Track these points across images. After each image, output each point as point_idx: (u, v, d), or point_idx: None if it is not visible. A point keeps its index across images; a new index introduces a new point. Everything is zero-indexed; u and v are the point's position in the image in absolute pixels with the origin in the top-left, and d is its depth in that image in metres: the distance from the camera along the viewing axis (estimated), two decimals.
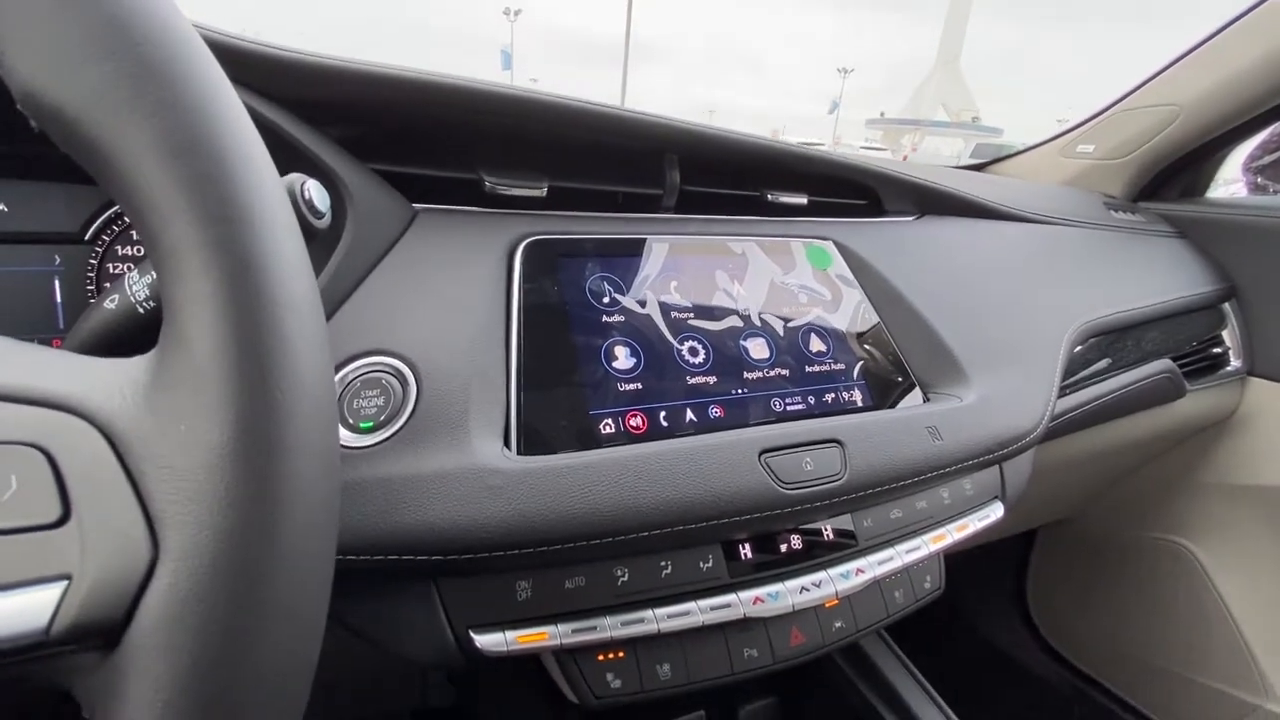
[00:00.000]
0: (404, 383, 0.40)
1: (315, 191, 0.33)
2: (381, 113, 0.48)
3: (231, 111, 0.20)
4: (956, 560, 1.34)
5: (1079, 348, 0.72)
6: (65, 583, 0.17)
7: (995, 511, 0.55)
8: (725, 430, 0.46)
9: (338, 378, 0.40)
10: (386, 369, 0.40)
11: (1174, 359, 0.90)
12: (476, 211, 0.51)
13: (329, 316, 0.42)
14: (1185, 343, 0.95)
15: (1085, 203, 1.01)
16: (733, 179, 0.63)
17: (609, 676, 0.41)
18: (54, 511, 0.17)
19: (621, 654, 0.41)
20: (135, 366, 0.20)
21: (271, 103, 0.43)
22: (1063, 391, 0.70)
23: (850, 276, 0.61)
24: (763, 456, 0.43)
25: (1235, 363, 1.03)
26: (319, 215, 0.33)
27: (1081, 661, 1.35)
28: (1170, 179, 1.15)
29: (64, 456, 0.18)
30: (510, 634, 0.37)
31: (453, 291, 0.45)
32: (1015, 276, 0.72)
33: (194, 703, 0.17)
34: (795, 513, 0.43)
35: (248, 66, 0.42)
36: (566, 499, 0.37)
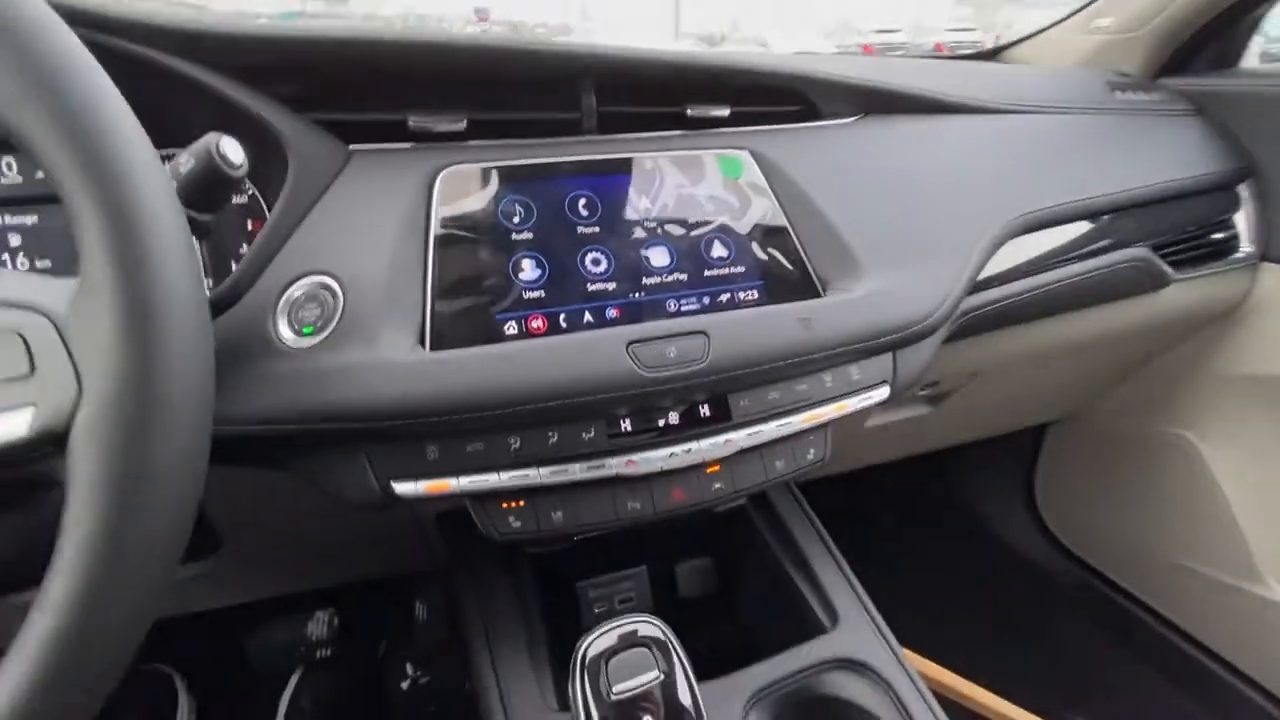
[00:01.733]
0: (334, 296, 0.50)
1: (229, 146, 0.42)
2: (314, 69, 0.56)
3: (102, 93, 0.30)
4: (965, 454, 1.39)
5: (1020, 236, 0.73)
6: (33, 408, 0.29)
7: (880, 394, 0.61)
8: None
9: (287, 294, 0.51)
10: (322, 285, 0.51)
11: (1158, 246, 0.88)
12: (404, 148, 0.59)
13: (279, 246, 0.52)
14: (1178, 228, 0.91)
15: (1082, 85, 0.96)
16: (656, 97, 0.67)
17: (510, 519, 0.52)
18: (25, 369, 0.29)
19: (521, 503, 0.52)
20: (70, 282, 0.31)
21: (215, 71, 0.52)
22: (993, 282, 0.72)
23: (763, 184, 0.65)
24: (630, 346, 0.51)
25: (1247, 248, 0.98)
26: (234, 166, 0.43)
27: (1087, 554, 1.39)
28: (1199, 50, 1.06)
29: (32, 337, 0.30)
30: (420, 483, 0.49)
31: (379, 219, 0.54)
32: (952, 172, 0.73)
33: (112, 474, 0.29)
34: (660, 392, 0.51)
35: (194, 40, 0.51)
36: (456, 382, 0.47)
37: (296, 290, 0.51)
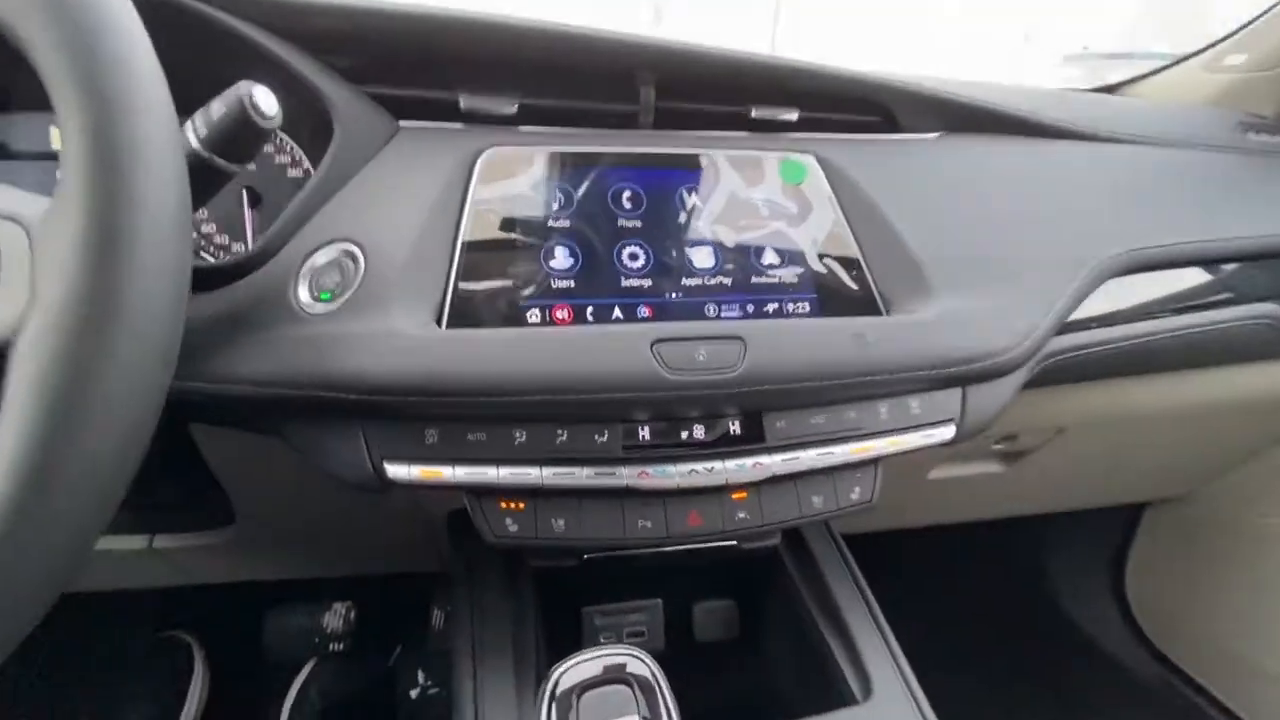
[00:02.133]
0: (356, 264, 0.48)
1: (262, 95, 0.41)
2: (372, 40, 0.56)
3: (115, 18, 0.29)
4: (1047, 524, 1.24)
5: (1121, 277, 0.64)
6: None
7: (943, 434, 0.53)
8: None
9: (311, 260, 0.49)
10: (344, 253, 0.49)
11: None
12: (452, 127, 0.58)
13: (313, 212, 0.51)
14: None
15: (1209, 122, 0.85)
16: (719, 96, 0.64)
17: (508, 521, 0.47)
18: None
19: (522, 505, 0.48)
20: (46, 199, 0.30)
21: (281, 39, 0.53)
22: (1089, 324, 0.63)
23: (827, 192, 0.60)
24: (656, 345, 0.46)
25: None
26: (266, 116, 0.41)
27: (1182, 659, 1.20)
28: None
29: (4, 246, 0.29)
30: (415, 468, 0.45)
31: (416, 192, 0.52)
32: (1047, 199, 0.65)
33: (48, 384, 0.26)
34: (684, 399, 0.46)
35: (262, 8, 0.51)
36: (462, 361, 0.44)
37: (321, 256, 0.49)
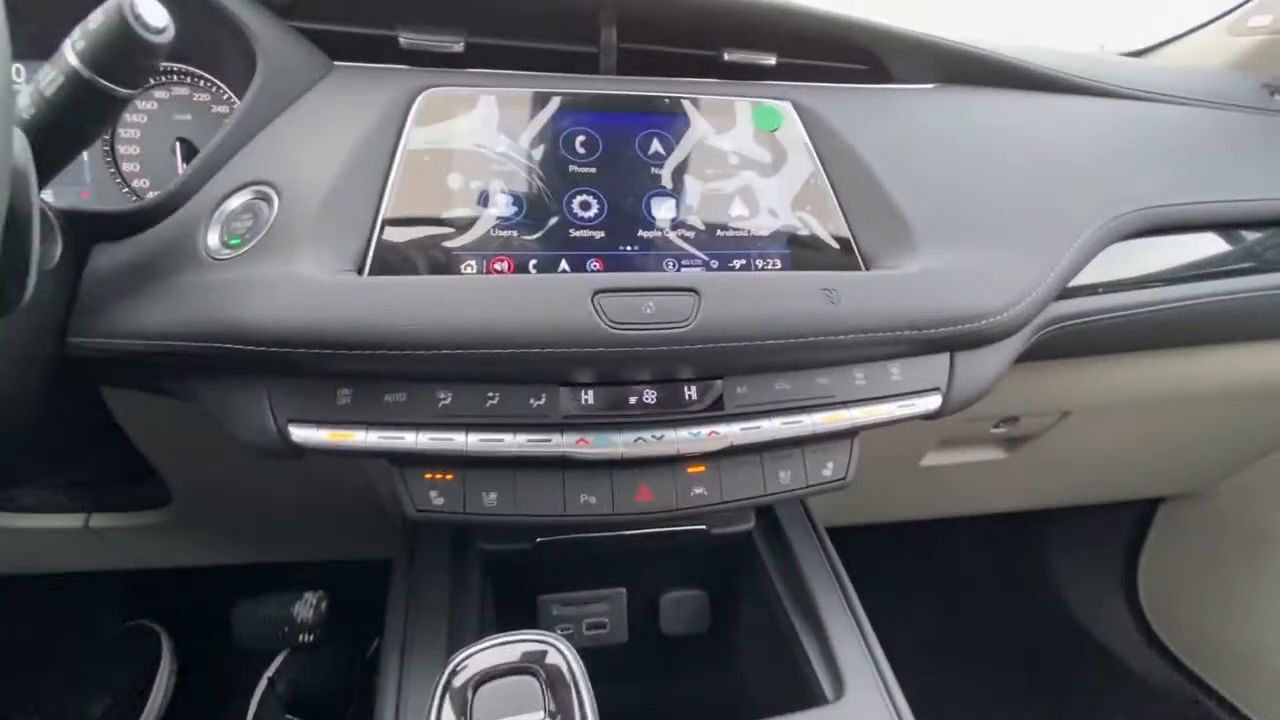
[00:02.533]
0: (270, 206, 0.44)
1: (146, 7, 0.36)
2: None
3: None
4: (1053, 521, 1.18)
5: (1128, 240, 0.57)
6: None
7: (927, 404, 0.47)
8: None
9: (225, 204, 0.45)
10: (259, 195, 0.44)
11: None
12: (392, 68, 0.53)
13: (230, 154, 0.47)
14: None
15: (1233, 82, 0.79)
16: (690, 38, 0.58)
17: (433, 494, 0.42)
18: None
19: (450, 476, 0.43)
20: None
21: None
22: (1094, 289, 0.57)
23: (805, 140, 0.54)
24: (596, 296, 0.41)
25: None
26: (153, 30, 0.36)
27: (1196, 663, 1.13)
28: None
29: None
30: (323, 431, 0.40)
31: (343, 133, 0.47)
32: (1049, 154, 0.60)
33: None
34: (629, 356, 0.41)
35: None
36: (376, 309, 0.39)
37: (236, 200, 0.45)
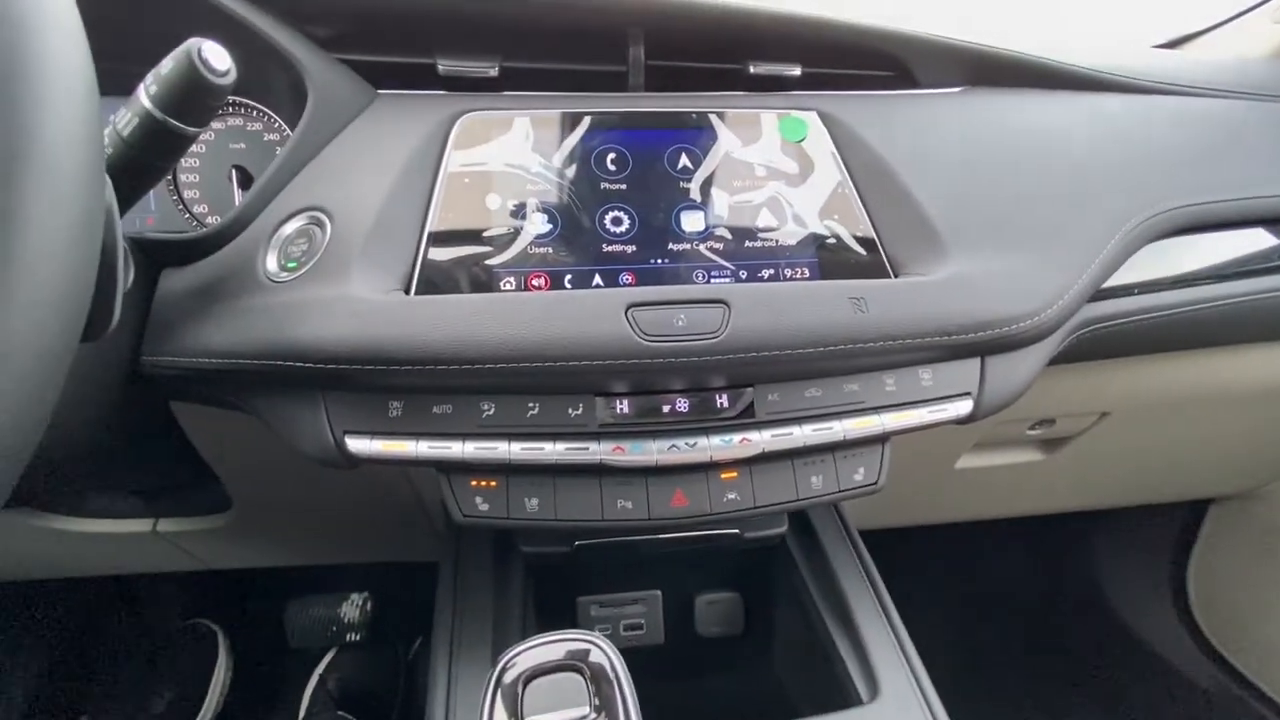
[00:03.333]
0: (322, 230, 0.46)
1: (212, 52, 0.39)
2: (348, 7, 0.54)
3: None
4: (1098, 523, 1.15)
5: (1168, 239, 0.57)
6: None
7: (958, 409, 0.48)
8: None
9: (282, 229, 0.48)
10: (313, 220, 0.47)
11: None
12: (431, 94, 0.56)
13: (285, 182, 0.50)
14: None
15: (1271, 73, 0.77)
16: (715, 52, 0.60)
17: (478, 500, 0.45)
18: None
19: (494, 483, 0.45)
20: None
21: (259, 9, 0.51)
22: (1131, 290, 0.57)
23: (830, 150, 0.55)
24: (630, 310, 0.43)
25: None
26: (218, 73, 0.40)
27: (1252, 671, 1.09)
28: None
29: None
30: (377, 442, 0.43)
31: (388, 159, 0.50)
32: (1082, 153, 0.59)
33: None
34: (663, 368, 0.42)
35: None
36: (425, 327, 0.41)
37: (291, 225, 0.48)
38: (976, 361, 0.49)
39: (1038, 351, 0.51)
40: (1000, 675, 1.17)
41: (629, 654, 0.44)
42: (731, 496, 0.46)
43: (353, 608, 1.15)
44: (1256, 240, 0.63)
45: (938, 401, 0.48)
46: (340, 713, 1.06)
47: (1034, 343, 0.50)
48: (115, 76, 0.43)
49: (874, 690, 0.48)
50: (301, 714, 1.08)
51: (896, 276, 0.50)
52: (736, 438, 0.45)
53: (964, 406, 0.48)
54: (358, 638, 1.15)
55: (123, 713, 1.08)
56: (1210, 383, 0.70)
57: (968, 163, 0.56)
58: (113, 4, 0.50)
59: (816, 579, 0.57)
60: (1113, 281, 0.55)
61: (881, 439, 0.48)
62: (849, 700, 0.49)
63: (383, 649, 1.19)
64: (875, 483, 0.48)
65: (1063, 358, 0.55)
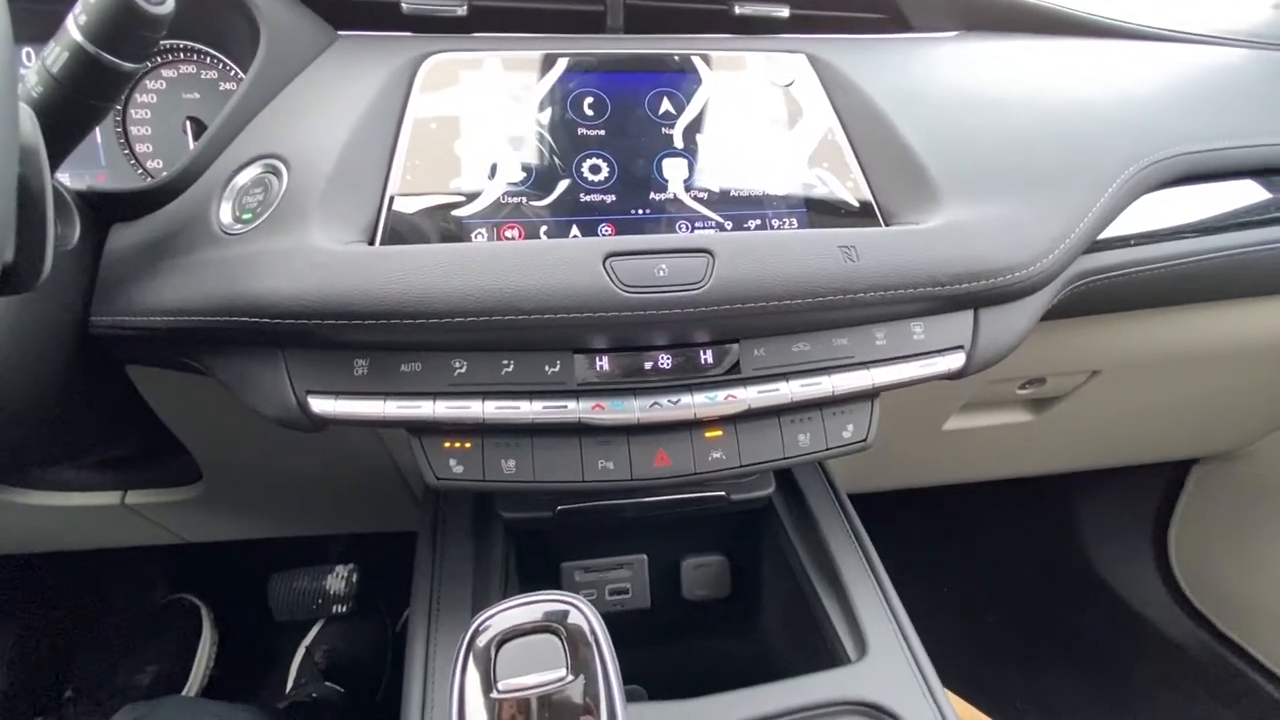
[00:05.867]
0: (279, 179, 0.43)
1: None
2: None
3: None
4: (1081, 483, 1.16)
5: (1162, 189, 0.55)
6: None
7: (950, 363, 0.46)
8: None
9: (236, 179, 0.45)
10: (268, 168, 0.44)
11: None
12: (396, 35, 0.52)
13: (238, 129, 0.47)
14: None
15: (1271, 20, 0.74)
16: None
17: (452, 462, 0.43)
18: None
19: (468, 444, 0.43)
20: None
21: None
22: (1127, 241, 0.55)
23: (820, 94, 0.53)
24: (608, 260, 0.40)
25: None
26: (155, 1, 0.36)
27: (1230, 628, 1.11)
28: None
29: None
30: (342, 403, 0.40)
31: (349, 103, 0.47)
32: (1079, 99, 0.57)
33: None
34: (643, 321, 0.40)
35: None
36: (390, 278, 0.39)
37: (246, 174, 0.45)
38: (969, 314, 0.47)
39: (1032, 304, 0.49)
40: (984, 631, 1.18)
41: (615, 619, 0.43)
42: (717, 455, 0.44)
43: (338, 579, 1.14)
44: (1252, 193, 0.62)
45: (929, 355, 0.46)
46: (328, 684, 1.05)
47: (1029, 294, 0.48)
48: (55, 20, 0.39)
49: (862, 649, 0.47)
50: (289, 686, 1.08)
51: (888, 225, 0.48)
52: (722, 394, 0.43)
53: (956, 360, 0.46)
54: (344, 609, 1.14)
55: (108, 687, 1.06)
56: (1200, 340, 0.69)
57: (963, 108, 0.54)
58: None
59: (804, 540, 0.56)
60: (1108, 233, 0.53)
61: (871, 395, 0.47)
62: (837, 660, 0.48)
63: (369, 620, 1.18)
64: (865, 439, 0.47)
65: (1056, 312, 0.54)
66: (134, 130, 0.56)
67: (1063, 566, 1.26)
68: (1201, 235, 0.57)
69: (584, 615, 0.31)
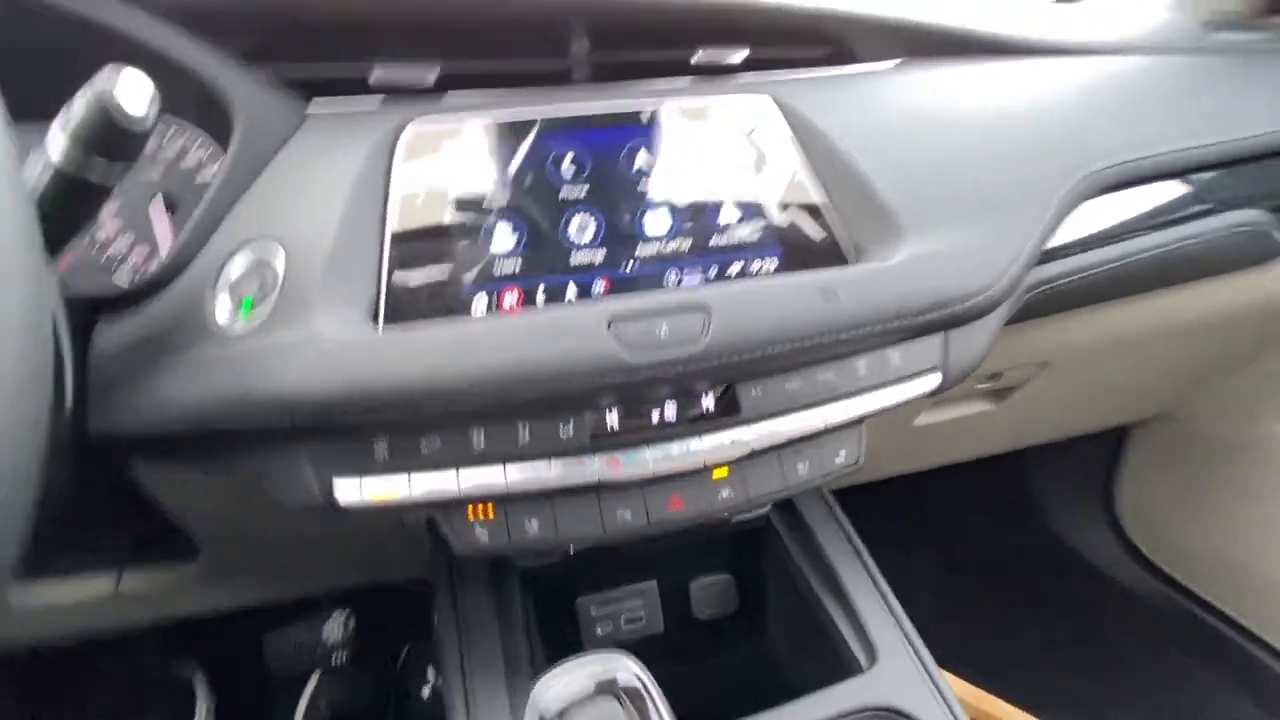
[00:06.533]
0: (275, 267, 0.44)
1: (127, 94, 0.36)
2: (268, 16, 0.50)
3: None
4: (1034, 456, 1.24)
5: (1101, 196, 0.60)
6: None
7: (928, 384, 0.50)
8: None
9: (226, 269, 0.45)
10: (262, 256, 0.44)
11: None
12: (366, 106, 0.52)
13: (221, 218, 0.46)
14: None
15: (1172, 24, 0.81)
16: (659, 41, 0.59)
17: (477, 531, 0.44)
18: None
19: (491, 512, 0.45)
20: None
21: (161, 20, 0.46)
22: (1068, 250, 0.60)
23: (787, 136, 0.56)
24: (614, 324, 0.42)
25: None
26: (134, 119, 0.36)
27: (1177, 571, 1.22)
28: None
29: None
30: (367, 483, 0.41)
31: (333, 181, 0.47)
32: (1015, 122, 0.62)
33: None
34: (653, 381, 0.43)
35: None
36: (407, 364, 0.40)
37: (237, 264, 0.45)
38: (940, 337, 0.51)
39: (994, 319, 0.53)
40: (964, 607, 1.25)
41: (633, 646, 0.45)
42: (726, 494, 0.47)
43: (335, 627, 1.13)
44: (1169, 192, 0.68)
45: (908, 379, 0.50)
46: None
47: (991, 311, 0.52)
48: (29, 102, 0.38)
49: (872, 656, 0.51)
50: None
51: (858, 260, 0.52)
52: (727, 438, 0.45)
53: (933, 380, 0.50)
54: (344, 657, 1.13)
55: None
56: (1134, 326, 0.76)
57: (912, 140, 0.58)
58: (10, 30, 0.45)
59: (804, 553, 0.60)
60: (1052, 243, 0.58)
61: (860, 421, 0.50)
62: (847, 667, 0.52)
63: (367, 665, 1.17)
64: (856, 462, 0.50)
65: (1012, 319, 0.58)
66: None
67: (1026, 535, 1.34)
68: (1135, 236, 0.63)
69: (634, 673, 0.33)
